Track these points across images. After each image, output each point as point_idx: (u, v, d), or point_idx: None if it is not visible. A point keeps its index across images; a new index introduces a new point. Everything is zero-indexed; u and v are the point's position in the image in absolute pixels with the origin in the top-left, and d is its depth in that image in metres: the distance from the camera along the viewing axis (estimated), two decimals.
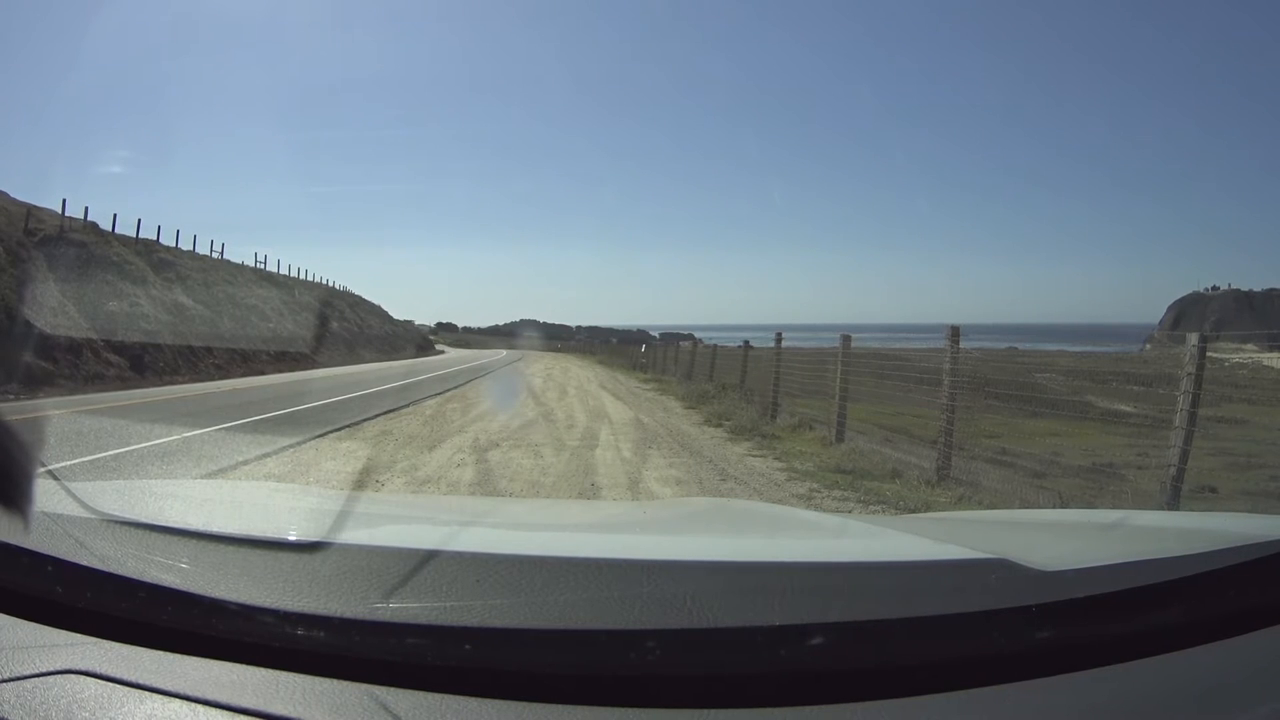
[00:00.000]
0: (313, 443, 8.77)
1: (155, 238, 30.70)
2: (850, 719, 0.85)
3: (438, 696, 0.85)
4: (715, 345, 23.77)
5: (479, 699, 0.85)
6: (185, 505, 1.65)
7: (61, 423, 10.07)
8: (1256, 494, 6.49)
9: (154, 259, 28.78)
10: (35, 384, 16.19)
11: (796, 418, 11.13)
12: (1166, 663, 0.91)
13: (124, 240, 27.98)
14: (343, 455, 8.00)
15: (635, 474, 7.18)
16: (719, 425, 11.34)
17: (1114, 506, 5.03)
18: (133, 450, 7.96)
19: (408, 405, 13.67)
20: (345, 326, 43.18)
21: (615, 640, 0.90)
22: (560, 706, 0.84)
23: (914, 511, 5.06)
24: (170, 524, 1.20)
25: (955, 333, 7.34)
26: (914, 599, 0.99)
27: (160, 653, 0.93)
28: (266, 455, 7.87)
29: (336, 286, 49.85)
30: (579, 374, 27.16)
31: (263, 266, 39.83)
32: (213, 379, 22.39)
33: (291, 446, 8.42)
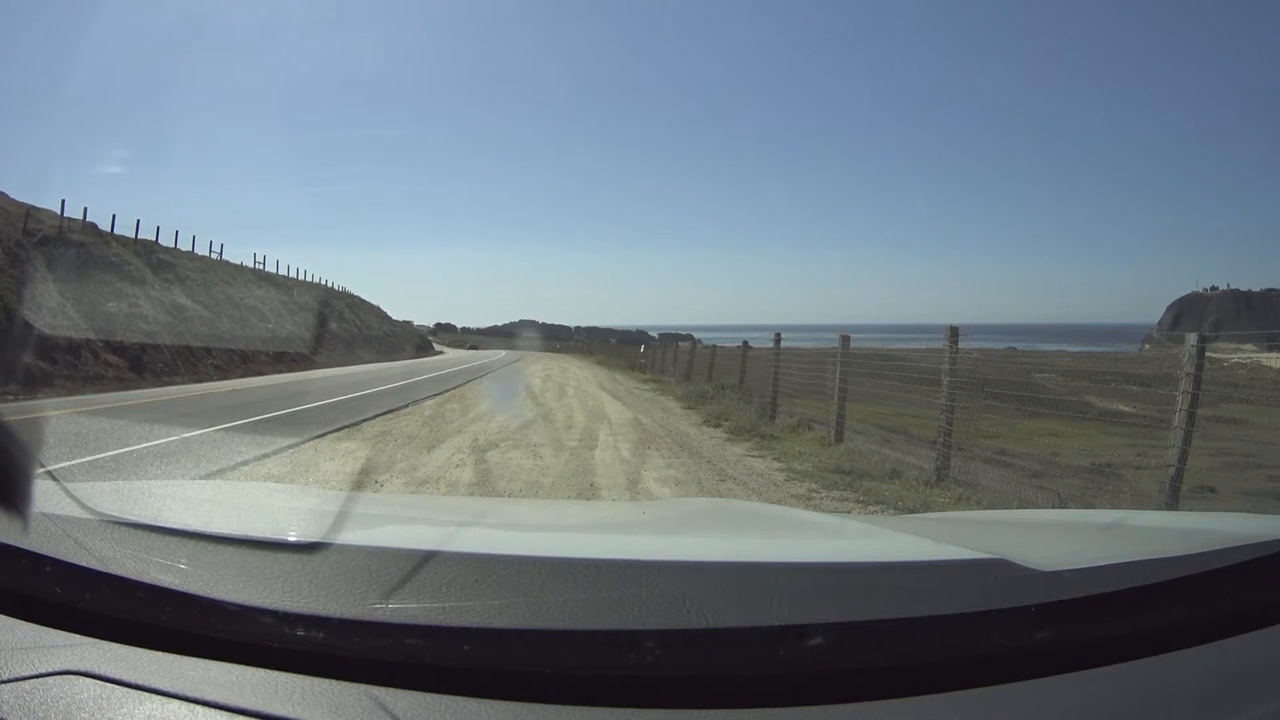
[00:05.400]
0: (312, 443, 8.77)
1: (154, 238, 30.70)
2: (850, 719, 0.85)
3: (436, 697, 0.85)
4: (714, 346, 23.74)
5: (478, 699, 0.85)
6: (184, 506, 1.65)
7: (60, 423, 10.06)
8: (1255, 494, 6.49)
9: (153, 259, 28.77)
10: (34, 384, 16.18)
11: (795, 418, 11.13)
12: (1166, 663, 0.91)
13: (123, 241, 27.98)
14: (342, 456, 8.00)
15: (634, 474, 7.18)
16: (718, 425, 11.34)
17: (1113, 506, 5.03)
18: (132, 451, 7.95)
19: (406, 406, 13.67)
20: (344, 327, 43.17)
21: (614, 640, 0.90)
22: (560, 707, 0.84)
23: (913, 512, 5.06)
24: (169, 524, 1.20)
25: (954, 333, 7.34)
26: (913, 599, 0.99)
27: (159, 653, 0.93)
28: (265, 456, 7.86)
29: (335, 287, 49.88)
30: (578, 374, 27.16)
31: (262, 267, 39.86)
32: (212, 379, 22.40)
33: (290, 447, 8.41)
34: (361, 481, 6.59)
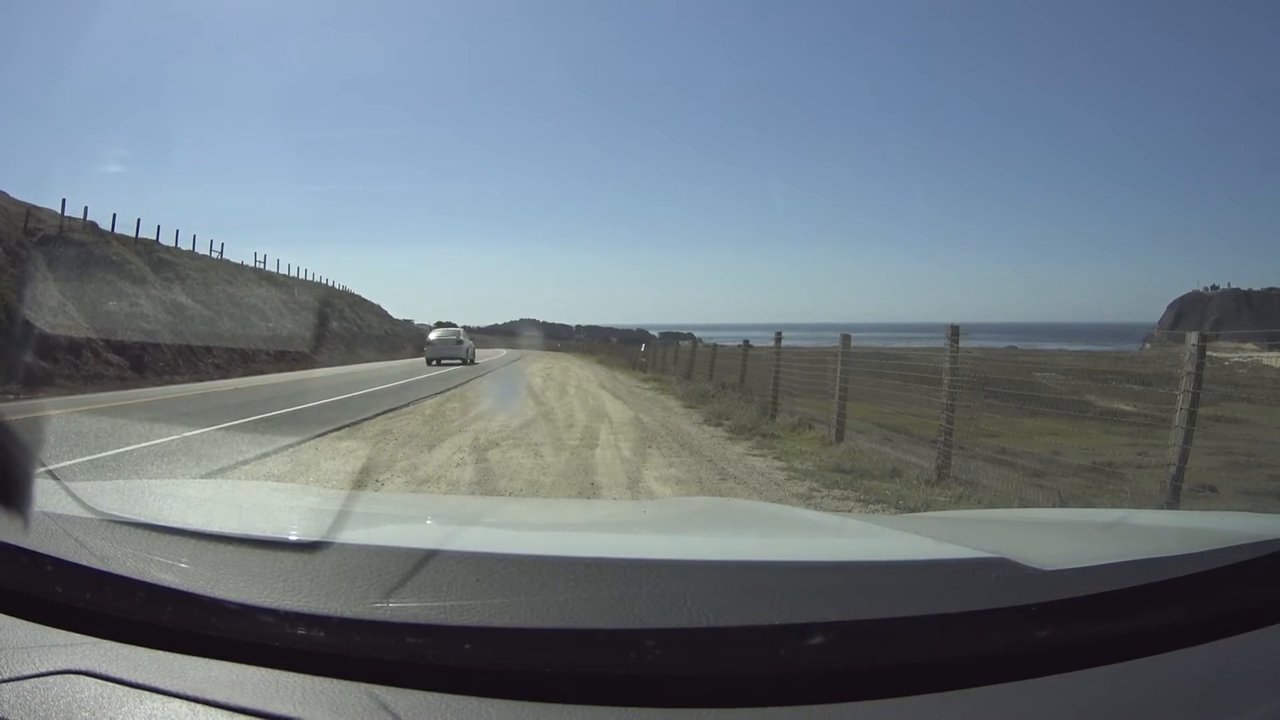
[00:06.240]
0: (312, 442, 8.77)
1: (155, 237, 30.74)
2: (850, 719, 0.85)
3: (437, 696, 0.85)
4: (715, 345, 23.76)
5: (479, 699, 0.85)
6: (185, 505, 1.66)
7: (61, 422, 10.07)
8: (1256, 493, 6.49)
9: (154, 259, 28.80)
10: (35, 384, 16.21)
11: (796, 417, 11.13)
12: (1166, 663, 0.91)
13: (123, 240, 28.01)
14: (342, 455, 8.00)
15: (635, 473, 7.18)
16: (719, 424, 11.34)
17: (1114, 506, 5.03)
18: (132, 450, 7.96)
19: (407, 405, 13.66)
20: (345, 326, 43.18)
21: (615, 640, 0.90)
22: (560, 706, 0.84)
23: (914, 510, 5.06)
24: (170, 524, 1.20)
25: (955, 332, 7.35)
26: (913, 598, 0.99)
27: (160, 653, 0.93)
28: (266, 455, 7.86)
29: (336, 286, 49.93)
30: (579, 373, 27.16)
31: (262, 266, 39.91)
32: (212, 378, 22.41)
33: (291, 446, 8.41)
34: (362, 480, 6.59)
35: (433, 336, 31.83)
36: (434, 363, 27.44)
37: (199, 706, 0.84)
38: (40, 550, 1.01)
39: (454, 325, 35.50)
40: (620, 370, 31.91)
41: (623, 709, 0.84)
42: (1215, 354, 6.59)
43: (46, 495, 1.17)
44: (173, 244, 31.94)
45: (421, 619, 0.92)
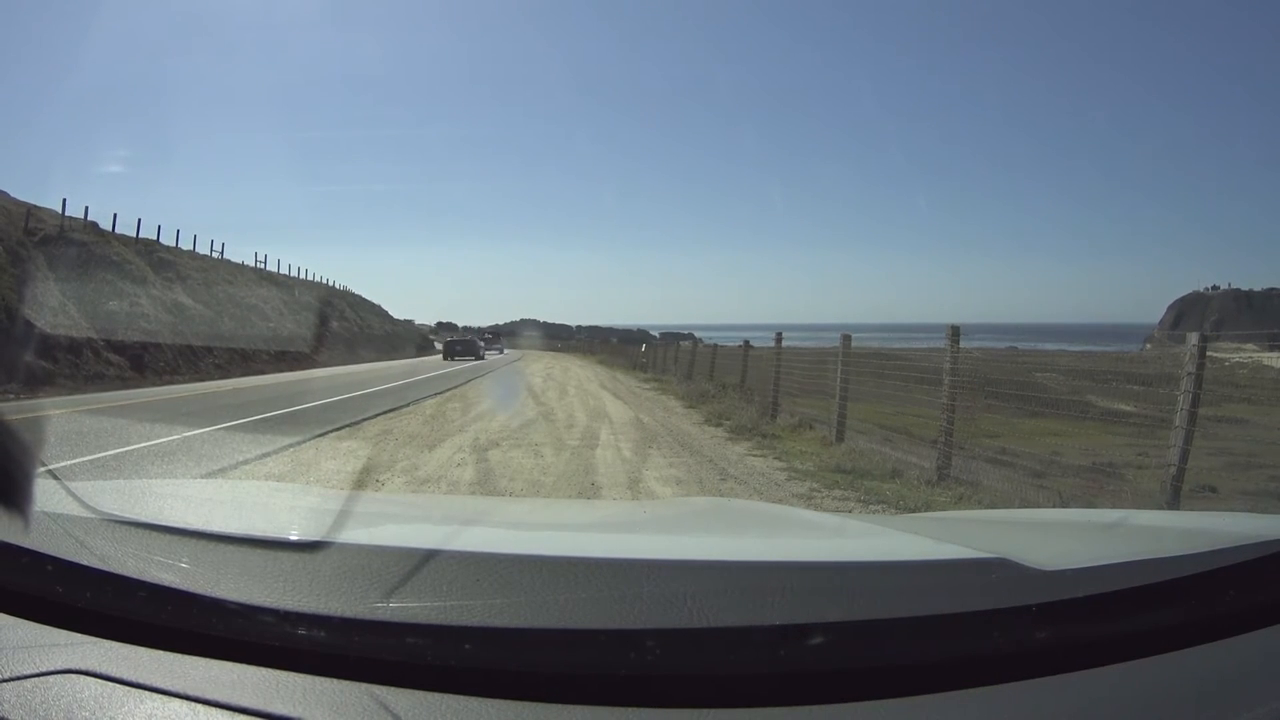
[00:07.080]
0: (313, 442, 8.77)
1: (155, 237, 30.74)
2: (850, 719, 0.85)
3: (438, 696, 0.85)
4: (715, 345, 23.78)
5: (479, 699, 0.85)
6: (185, 505, 1.66)
7: (62, 422, 10.07)
8: (1256, 494, 6.48)
9: (154, 259, 28.79)
10: (36, 383, 16.22)
11: (796, 417, 11.13)
12: (1166, 663, 0.91)
13: (124, 240, 27.99)
14: (343, 455, 8.00)
15: (635, 474, 7.18)
16: (719, 425, 11.34)
17: (1114, 506, 5.03)
18: (133, 450, 7.96)
19: (408, 405, 13.67)
20: (345, 326, 43.17)
21: (615, 640, 0.90)
22: (560, 706, 0.84)
23: (914, 511, 5.06)
24: (170, 523, 1.20)
25: (955, 332, 7.34)
26: (914, 598, 0.99)
27: (160, 652, 0.93)
28: (267, 455, 7.87)
29: (336, 286, 49.93)
30: (579, 373, 27.16)
31: (263, 266, 39.90)
32: (213, 378, 22.42)
33: (292, 446, 8.42)
34: (363, 480, 6.60)
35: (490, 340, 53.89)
36: (493, 352, 48.45)
37: (199, 706, 0.84)
38: (41, 550, 1.01)
39: (498, 335, 65.89)
40: (621, 370, 31.90)
41: (623, 709, 0.84)
42: (1216, 354, 6.59)
43: (47, 495, 1.17)
44: (173, 244, 31.94)
45: (422, 619, 0.92)
